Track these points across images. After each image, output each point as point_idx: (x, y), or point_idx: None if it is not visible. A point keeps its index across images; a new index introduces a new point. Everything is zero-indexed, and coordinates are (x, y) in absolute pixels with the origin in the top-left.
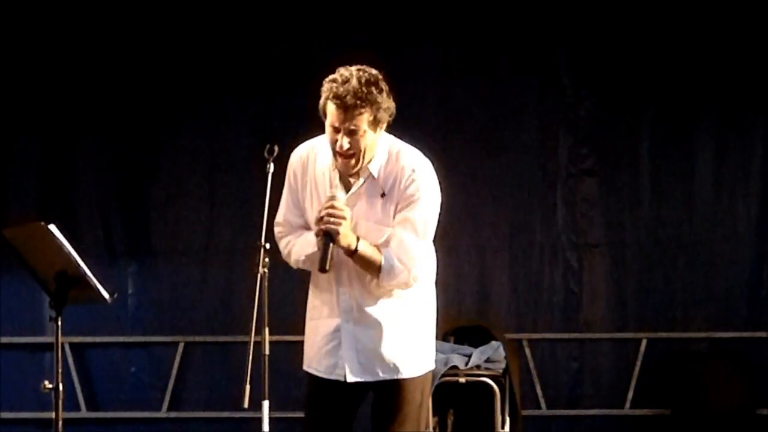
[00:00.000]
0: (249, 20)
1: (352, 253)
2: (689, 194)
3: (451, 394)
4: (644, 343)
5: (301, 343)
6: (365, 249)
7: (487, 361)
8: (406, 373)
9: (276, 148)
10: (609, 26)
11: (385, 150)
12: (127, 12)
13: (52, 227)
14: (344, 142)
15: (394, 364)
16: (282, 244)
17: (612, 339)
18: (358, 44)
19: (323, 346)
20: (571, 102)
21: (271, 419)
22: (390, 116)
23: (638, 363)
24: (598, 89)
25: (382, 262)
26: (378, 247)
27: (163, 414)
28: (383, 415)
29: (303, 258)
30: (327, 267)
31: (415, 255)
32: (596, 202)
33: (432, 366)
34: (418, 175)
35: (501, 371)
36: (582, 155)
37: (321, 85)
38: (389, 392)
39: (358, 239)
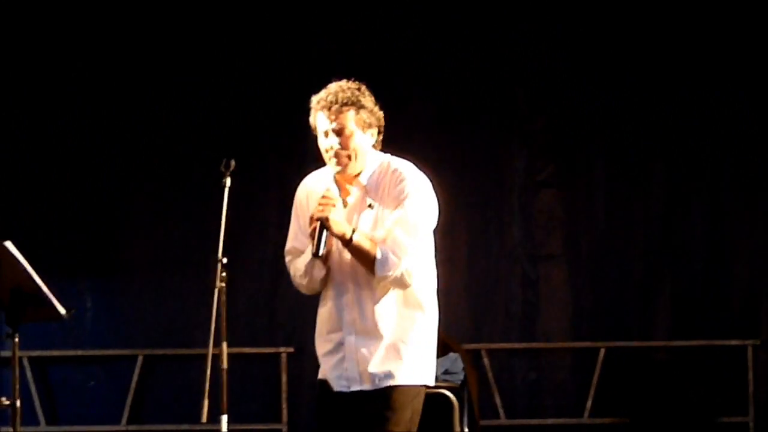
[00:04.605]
0: (213, 33)
1: (348, 243)
2: (644, 205)
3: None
4: (602, 352)
5: (259, 355)
6: (361, 240)
7: (445, 372)
8: (399, 380)
9: (232, 163)
10: (563, 38)
11: (378, 164)
12: (95, 28)
13: (8, 244)
14: (334, 142)
15: (390, 372)
16: (291, 270)
17: (570, 348)
18: (321, 61)
19: (330, 360)
20: (526, 114)
21: (230, 431)
22: (378, 122)
23: (597, 372)
24: (552, 101)
25: (377, 255)
26: (374, 241)
27: (122, 427)
28: (370, 419)
29: (303, 270)
30: (319, 253)
31: (407, 249)
32: (553, 214)
33: (429, 381)
34: (407, 177)
35: (459, 383)
36: (538, 167)
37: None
38: (380, 400)
39: (354, 231)
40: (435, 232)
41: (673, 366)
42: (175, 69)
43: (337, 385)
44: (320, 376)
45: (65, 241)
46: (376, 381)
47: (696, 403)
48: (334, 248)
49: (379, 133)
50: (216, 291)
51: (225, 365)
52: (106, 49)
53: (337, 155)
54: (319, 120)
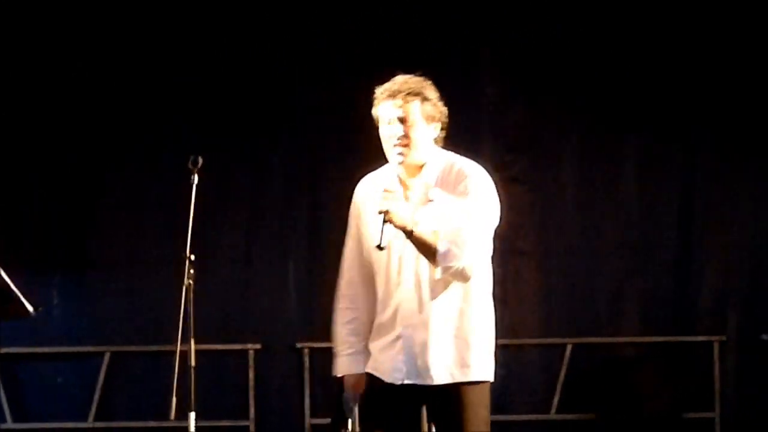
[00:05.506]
0: (187, 30)
1: (410, 234)
2: (615, 201)
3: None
4: (569, 348)
5: (227, 352)
6: (422, 232)
7: None
8: (459, 377)
9: (200, 159)
10: (535, 34)
11: (442, 162)
12: (67, 26)
13: None
14: (397, 130)
15: (449, 369)
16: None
17: (537, 344)
18: (296, 62)
19: (386, 353)
20: (496, 110)
21: (198, 428)
22: (442, 117)
23: (564, 368)
24: (523, 97)
25: (439, 247)
26: (437, 234)
27: (89, 424)
28: (443, 424)
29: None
30: (382, 245)
31: (468, 241)
32: (523, 210)
33: (490, 377)
34: (471, 174)
35: None
36: (508, 162)
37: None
38: (445, 400)
39: (416, 223)
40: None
41: (640, 362)
42: (149, 66)
43: (390, 377)
44: (367, 369)
45: (32, 237)
46: (434, 378)
47: (662, 399)
48: (395, 243)
49: (442, 128)
50: (184, 288)
51: (193, 363)
52: (78, 47)
53: (398, 144)
54: (383, 109)
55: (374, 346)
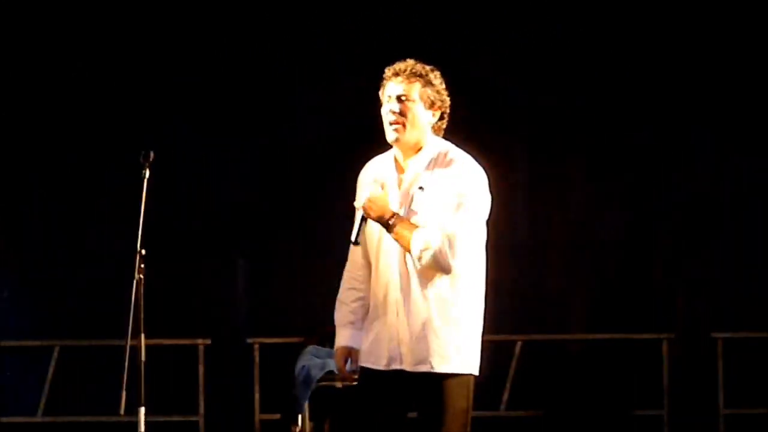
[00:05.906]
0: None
1: (386, 226)
2: (564, 200)
3: (328, 399)
4: (519, 345)
5: (177, 347)
6: (399, 223)
7: None
8: (441, 368)
9: (151, 154)
10: (488, 30)
11: (437, 149)
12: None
13: None
14: (394, 106)
15: (432, 357)
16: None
17: (487, 341)
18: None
19: (377, 343)
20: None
21: (147, 423)
22: (443, 105)
23: (513, 365)
24: (471, 94)
25: (413, 235)
26: (415, 224)
27: (38, 419)
28: (425, 418)
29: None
30: (356, 240)
31: (445, 231)
32: None
33: (475, 371)
34: (459, 163)
35: None
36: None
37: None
38: (426, 389)
39: (393, 215)
40: (488, 223)
41: (589, 359)
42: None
43: (379, 364)
44: (361, 363)
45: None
46: (416, 365)
47: (611, 395)
48: (385, 233)
49: (441, 117)
50: (134, 282)
51: (143, 357)
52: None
53: (393, 122)
54: (387, 88)
55: (369, 330)
